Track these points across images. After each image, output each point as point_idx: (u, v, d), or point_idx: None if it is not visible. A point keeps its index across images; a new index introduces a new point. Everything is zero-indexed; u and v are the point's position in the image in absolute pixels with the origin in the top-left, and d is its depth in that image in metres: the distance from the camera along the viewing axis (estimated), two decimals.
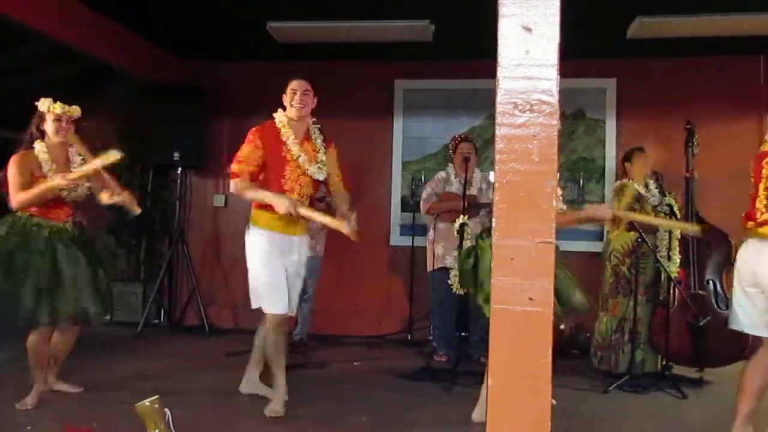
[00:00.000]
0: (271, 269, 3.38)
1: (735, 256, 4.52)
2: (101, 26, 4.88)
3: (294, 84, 3.43)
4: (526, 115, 0.86)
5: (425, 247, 5.07)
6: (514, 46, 0.86)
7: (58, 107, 3.45)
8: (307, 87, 3.44)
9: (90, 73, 5.18)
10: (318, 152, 3.44)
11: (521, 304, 0.85)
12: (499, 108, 0.86)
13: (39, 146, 3.45)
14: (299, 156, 3.37)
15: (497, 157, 0.86)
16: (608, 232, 4.77)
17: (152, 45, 5.57)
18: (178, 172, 5.96)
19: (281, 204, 3.22)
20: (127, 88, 5.74)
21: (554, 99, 0.85)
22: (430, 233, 4.90)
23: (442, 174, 4.92)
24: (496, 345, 0.87)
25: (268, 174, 3.40)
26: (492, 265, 0.87)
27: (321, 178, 3.45)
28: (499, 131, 0.86)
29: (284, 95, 3.45)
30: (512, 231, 0.85)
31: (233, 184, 3.35)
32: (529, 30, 0.86)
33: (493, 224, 0.86)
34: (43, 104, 3.45)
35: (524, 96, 0.86)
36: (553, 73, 0.86)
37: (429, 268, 4.92)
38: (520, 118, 0.86)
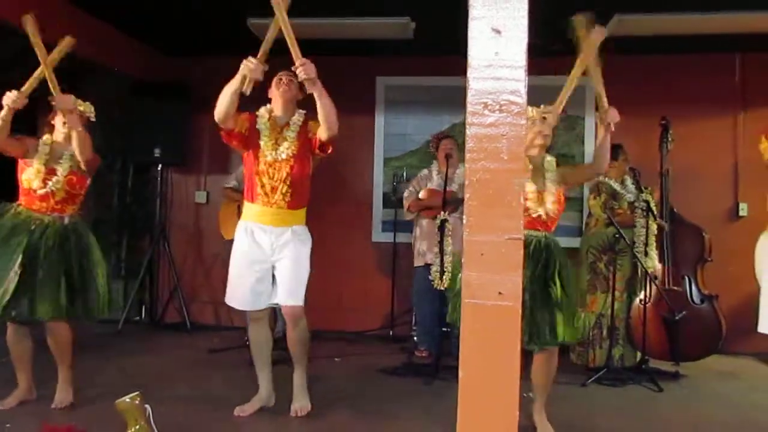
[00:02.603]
0: (236, 263, 3.40)
1: (709, 250, 4.63)
2: (83, 23, 4.84)
3: (279, 73, 3.42)
4: (496, 115, 0.88)
5: (410, 243, 5.11)
6: (483, 47, 0.89)
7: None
8: (289, 75, 3.40)
9: (72, 70, 5.13)
10: (286, 138, 3.35)
11: (491, 299, 0.87)
12: (469, 108, 0.89)
13: (45, 138, 3.49)
14: (265, 139, 3.34)
15: (468, 155, 0.89)
16: (586, 227, 4.84)
17: (134, 42, 5.53)
18: (159, 168, 5.93)
19: (240, 72, 3.14)
20: (109, 85, 5.69)
21: (522, 99, 0.88)
22: (415, 230, 4.94)
23: (424, 172, 4.97)
24: (467, 338, 0.90)
25: (245, 163, 3.44)
26: (462, 260, 0.89)
27: (284, 157, 3.33)
28: (470, 130, 0.89)
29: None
30: (482, 227, 0.88)
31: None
32: (498, 32, 0.88)
33: (464, 221, 0.89)
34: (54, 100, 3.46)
35: (493, 96, 0.88)
36: (521, 74, 0.88)
37: (415, 264, 4.96)
38: (489, 118, 0.88)
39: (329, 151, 3.42)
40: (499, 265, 0.87)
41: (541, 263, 3.03)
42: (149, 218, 6.08)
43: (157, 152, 5.68)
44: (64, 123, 3.43)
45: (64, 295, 3.31)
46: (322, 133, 3.29)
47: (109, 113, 5.79)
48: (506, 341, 0.88)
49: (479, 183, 0.88)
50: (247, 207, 3.43)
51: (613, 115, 3.06)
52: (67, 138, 3.46)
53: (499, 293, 0.87)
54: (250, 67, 3.10)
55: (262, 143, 3.34)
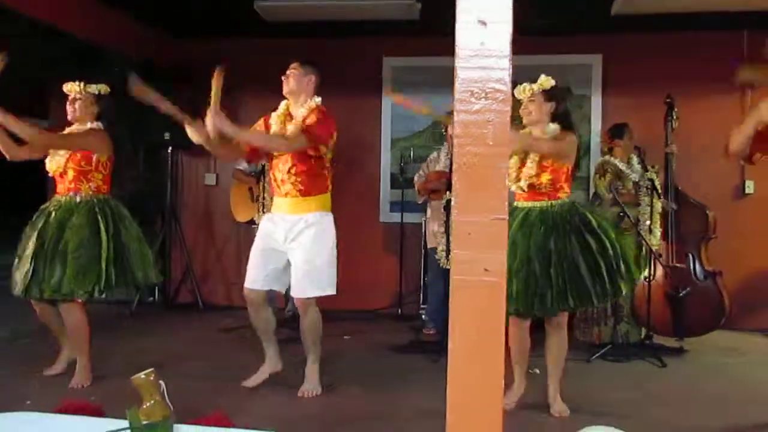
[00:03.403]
0: (254, 247, 3.56)
1: (713, 228, 4.65)
2: (90, 6, 4.89)
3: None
4: (482, 102, 0.93)
5: (415, 223, 5.18)
6: (470, 37, 0.94)
7: (68, 86, 3.58)
8: (291, 67, 3.48)
9: (81, 54, 5.19)
10: (288, 131, 3.43)
11: (478, 275, 0.93)
12: (457, 96, 0.94)
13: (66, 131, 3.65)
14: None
15: (455, 141, 0.94)
16: (592, 206, 4.87)
17: (143, 25, 5.57)
18: (169, 151, 6.00)
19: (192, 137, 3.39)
20: (119, 69, 5.75)
21: (507, 87, 0.93)
22: (428, 211, 5.02)
23: (433, 155, 5.03)
24: (456, 312, 0.96)
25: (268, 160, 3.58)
26: (451, 239, 0.95)
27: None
28: (457, 117, 0.94)
29: None
30: (469, 209, 0.93)
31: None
32: (484, 23, 0.93)
33: (452, 202, 0.95)
34: (67, 87, 3.60)
35: (480, 84, 0.93)
36: (506, 63, 0.93)
37: (429, 245, 5.03)
38: (476, 105, 0.93)
39: (314, 147, 3.40)
40: (485, 244, 0.93)
41: (550, 230, 3.08)
42: (160, 201, 6.16)
43: (167, 135, 5.74)
44: (67, 112, 3.57)
45: (59, 274, 3.35)
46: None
47: (119, 98, 5.89)
48: (492, 314, 0.95)
49: (466, 167, 0.93)
50: (273, 200, 3.60)
51: None
52: (77, 121, 3.61)
53: (485, 270, 0.93)
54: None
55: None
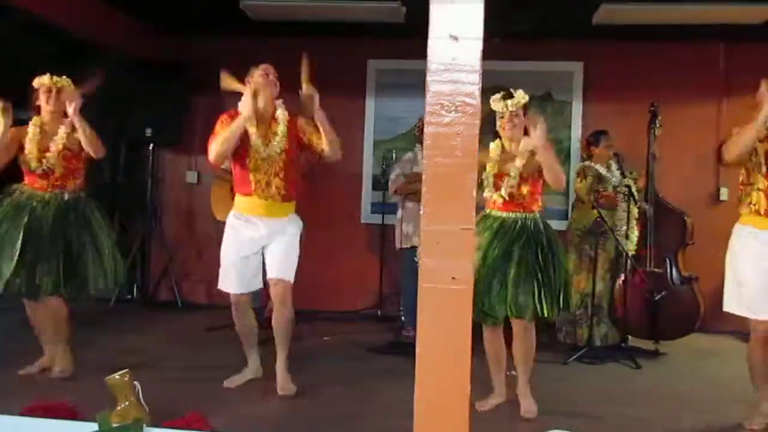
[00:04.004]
0: (229, 249, 3.50)
1: (690, 235, 4.74)
2: (80, 3, 4.87)
3: (261, 66, 3.47)
4: (452, 115, 0.96)
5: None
6: (442, 52, 0.97)
7: (45, 79, 3.55)
8: (271, 69, 3.47)
9: (69, 48, 5.17)
10: (277, 133, 3.41)
11: (446, 283, 0.97)
12: (428, 108, 0.97)
13: (34, 120, 3.58)
14: (256, 136, 3.38)
15: (425, 152, 0.97)
16: (573, 210, 4.94)
17: (128, 20, 5.54)
18: (150, 148, 5.98)
19: (243, 108, 3.31)
20: (107, 64, 5.71)
21: (476, 101, 0.96)
22: (399, 212, 5.04)
23: (409, 155, 5.04)
24: (425, 317, 0.99)
25: (234, 158, 3.46)
26: (420, 249, 0.98)
27: (277, 152, 3.40)
28: (428, 129, 0.97)
29: None
30: (438, 218, 0.96)
31: (209, 152, 3.40)
32: (455, 38, 0.96)
33: (422, 212, 0.98)
34: (36, 81, 3.55)
35: (450, 98, 0.96)
36: (476, 78, 0.96)
37: (398, 246, 5.05)
38: (446, 118, 0.96)
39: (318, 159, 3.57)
40: (453, 253, 0.96)
41: (523, 241, 3.15)
42: (141, 198, 6.14)
43: (149, 132, 5.72)
44: (46, 102, 3.56)
45: (61, 271, 3.42)
46: (325, 153, 3.42)
47: (106, 93, 5.85)
48: (459, 320, 0.98)
49: (435, 177, 0.96)
50: (241, 199, 3.50)
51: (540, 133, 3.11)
52: (55, 116, 3.58)
53: (453, 278, 0.96)
54: (259, 80, 3.29)
55: (252, 140, 3.38)
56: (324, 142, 3.35)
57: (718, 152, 5.48)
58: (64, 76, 3.60)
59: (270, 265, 3.49)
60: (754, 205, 2.99)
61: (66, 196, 3.56)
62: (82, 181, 3.67)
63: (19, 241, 3.38)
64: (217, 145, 3.33)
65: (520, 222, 3.20)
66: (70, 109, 3.48)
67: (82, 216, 3.59)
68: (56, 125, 3.59)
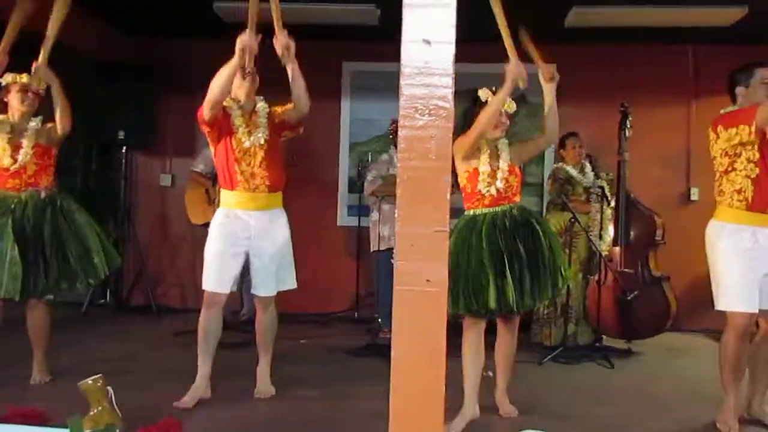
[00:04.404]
0: (216, 247, 3.44)
1: (661, 235, 4.82)
2: (46, 2, 4.77)
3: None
4: (425, 118, 0.97)
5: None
6: (414, 56, 0.97)
7: (25, 77, 3.50)
8: (253, 68, 3.45)
9: (34, 50, 5.07)
10: (258, 125, 3.43)
11: (420, 285, 0.97)
12: (402, 112, 0.97)
13: (1, 118, 3.53)
14: (239, 127, 3.39)
15: (400, 155, 0.98)
16: (546, 211, 5.00)
17: (97, 21, 5.47)
18: (123, 151, 5.91)
19: (238, 47, 3.20)
20: (71, 66, 5.62)
21: (450, 104, 0.97)
22: (374, 214, 5.04)
23: (385, 156, 5.05)
24: (399, 320, 0.99)
25: (217, 152, 3.46)
26: (394, 251, 0.99)
27: (261, 142, 3.40)
28: (402, 132, 0.98)
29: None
30: (412, 221, 0.97)
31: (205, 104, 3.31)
32: (428, 43, 0.97)
33: (396, 215, 0.98)
34: (7, 77, 3.48)
35: (423, 101, 0.97)
36: (449, 81, 0.97)
37: (373, 248, 5.06)
38: (420, 121, 0.97)
39: (301, 131, 3.58)
40: (427, 255, 0.96)
41: (517, 231, 3.14)
42: (114, 201, 6.06)
43: (121, 134, 5.65)
44: (21, 101, 3.51)
45: (55, 270, 3.41)
46: (292, 114, 3.43)
47: (73, 95, 5.77)
48: (433, 322, 0.98)
49: (410, 180, 0.97)
50: (227, 194, 3.47)
51: (552, 69, 3.29)
52: (24, 114, 3.53)
53: (427, 280, 0.97)
54: (244, 39, 3.17)
55: (237, 131, 3.39)
56: (293, 94, 3.34)
57: (688, 152, 5.61)
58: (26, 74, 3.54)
59: (258, 276, 3.47)
60: (743, 192, 2.96)
61: (42, 194, 3.51)
62: (53, 178, 3.62)
63: (10, 246, 3.31)
64: (210, 91, 3.27)
65: (508, 214, 3.19)
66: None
67: (62, 211, 3.54)
68: (25, 122, 3.55)
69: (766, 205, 2.97)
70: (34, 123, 3.55)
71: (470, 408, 3.19)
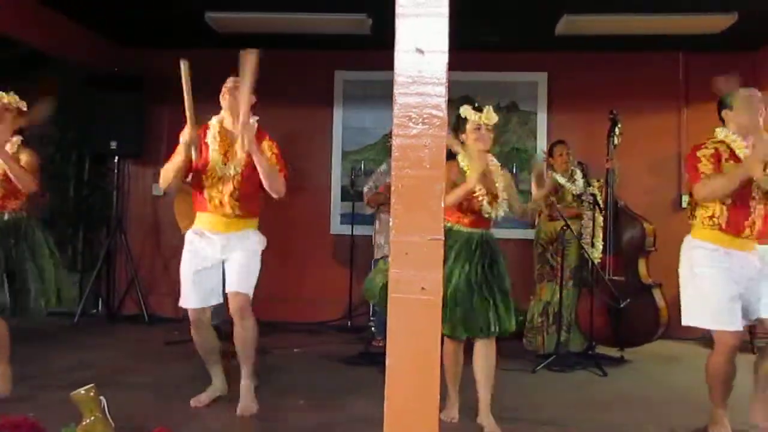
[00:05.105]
0: (187, 266, 3.39)
1: (651, 242, 4.83)
2: (36, 13, 4.78)
3: (229, 80, 3.38)
4: (419, 127, 0.97)
5: (365, 235, 5.22)
6: (408, 65, 0.98)
7: (5, 97, 3.41)
8: (234, 81, 3.34)
9: (25, 60, 5.09)
10: (236, 154, 3.28)
11: (415, 293, 0.97)
12: (395, 120, 0.98)
13: None
14: (214, 151, 3.28)
15: (394, 164, 0.98)
16: (539, 219, 5.01)
17: (89, 32, 5.48)
18: (115, 161, 5.89)
19: (183, 139, 3.19)
20: (65, 76, 5.63)
21: (443, 113, 0.98)
22: (375, 224, 5.07)
23: (383, 167, 5.08)
24: (394, 328, 1.00)
25: (196, 174, 3.35)
26: (389, 259, 0.99)
27: (232, 173, 3.27)
28: (396, 141, 0.98)
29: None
30: (407, 229, 0.97)
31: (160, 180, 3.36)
32: (421, 52, 0.98)
33: (391, 223, 0.98)
34: None
35: (417, 110, 0.97)
36: (442, 90, 0.98)
37: (375, 257, 5.07)
38: (413, 130, 0.98)
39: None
40: (422, 263, 0.97)
41: (486, 258, 3.18)
42: (106, 211, 6.04)
43: (113, 144, 5.64)
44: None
45: (6, 292, 3.36)
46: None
47: (64, 105, 5.77)
48: (428, 330, 0.99)
49: (404, 189, 0.97)
50: (200, 215, 3.40)
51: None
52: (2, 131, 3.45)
53: (422, 288, 0.97)
54: (185, 136, 3.17)
55: (210, 157, 3.28)
56: (264, 184, 3.25)
57: (679, 159, 5.64)
58: (13, 94, 3.47)
59: (228, 278, 3.38)
60: (715, 218, 2.97)
61: (6, 216, 3.46)
62: (24, 201, 3.54)
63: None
64: (160, 177, 3.33)
65: (485, 238, 3.22)
66: None
67: (24, 236, 3.50)
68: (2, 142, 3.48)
69: (739, 229, 2.98)
70: (8, 146, 3.45)
71: (454, 397, 3.33)
